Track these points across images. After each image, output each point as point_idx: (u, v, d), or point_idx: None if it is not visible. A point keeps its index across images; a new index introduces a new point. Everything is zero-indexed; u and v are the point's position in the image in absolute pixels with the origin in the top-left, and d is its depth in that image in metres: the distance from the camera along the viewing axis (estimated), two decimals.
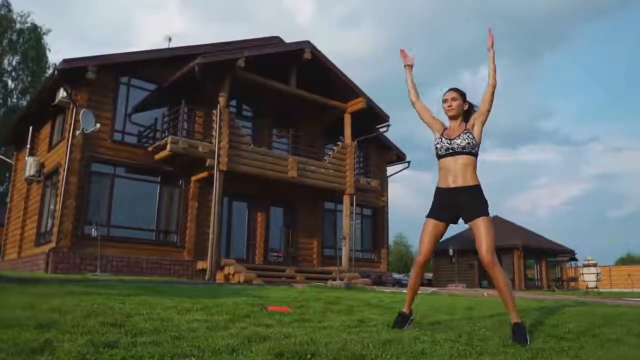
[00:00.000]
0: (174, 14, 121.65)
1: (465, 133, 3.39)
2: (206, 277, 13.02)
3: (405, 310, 3.51)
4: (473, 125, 3.43)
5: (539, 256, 27.08)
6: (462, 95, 3.53)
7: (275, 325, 3.23)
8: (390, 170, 20.46)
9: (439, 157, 3.46)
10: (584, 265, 16.85)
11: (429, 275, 33.89)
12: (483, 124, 3.43)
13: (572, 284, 25.31)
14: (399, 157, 20.33)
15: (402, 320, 3.46)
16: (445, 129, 3.53)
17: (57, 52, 47.55)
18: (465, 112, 3.53)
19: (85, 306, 3.58)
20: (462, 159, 3.36)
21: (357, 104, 16.84)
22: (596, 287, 15.64)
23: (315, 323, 3.56)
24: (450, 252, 23.96)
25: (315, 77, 16.66)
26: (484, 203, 3.34)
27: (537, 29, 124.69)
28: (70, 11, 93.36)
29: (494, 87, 3.43)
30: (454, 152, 3.38)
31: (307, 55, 15.83)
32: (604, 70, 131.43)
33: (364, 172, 18.82)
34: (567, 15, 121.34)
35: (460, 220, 3.50)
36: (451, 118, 3.52)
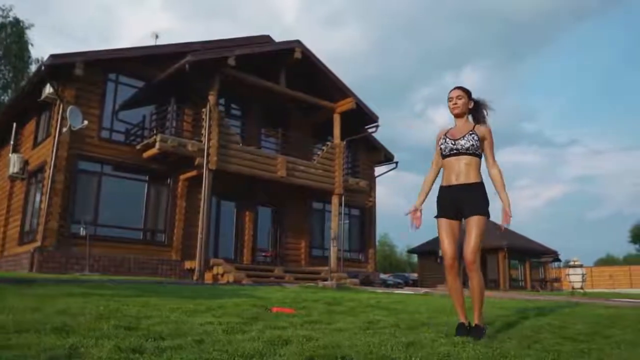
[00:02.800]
0: (157, 11, 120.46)
1: (471, 134, 3.39)
2: (195, 277, 12.87)
3: (462, 320, 3.30)
4: (484, 138, 3.42)
5: (523, 257, 27.39)
6: (467, 93, 3.52)
7: (289, 327, 3.20)
8: (377, 170, 20.51)
9: (444, 157, 3.47)
10: (570, 266, 17.14)
11: (414, 275, 34.15)
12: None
13: (556, 284, 25.68)
14: (387, 158, 20.35)
15: (463, 330, 3.23)
16: (450, 129, 3.53)
17: (39, 47, 46.68)
18: (472, 109, 3.53)
19: (92, 308, 3.50)
20: (465, 159, 3.38)
21: (346, 104, 16.80)
22: (582, 288, 15.89)
23: (326, 325, 3.54)
24: (440, 252, 24.09)
25: (305, 77, 16.60)
26: (484, 201, 3.35)
27: (521, 31, 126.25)
28: (51, 6, 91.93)
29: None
30: (458, 153, 3.39)
31: (297, 54, 15.74)
32: (585, 73, 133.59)
33: (352, 172, 18.81)
34: (551, 18, 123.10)
35: None
36: (456, 116, 3.53)
